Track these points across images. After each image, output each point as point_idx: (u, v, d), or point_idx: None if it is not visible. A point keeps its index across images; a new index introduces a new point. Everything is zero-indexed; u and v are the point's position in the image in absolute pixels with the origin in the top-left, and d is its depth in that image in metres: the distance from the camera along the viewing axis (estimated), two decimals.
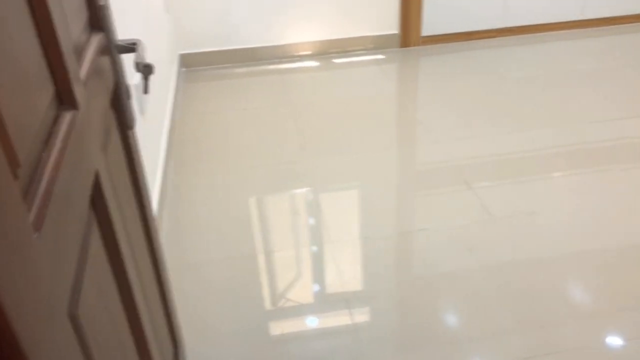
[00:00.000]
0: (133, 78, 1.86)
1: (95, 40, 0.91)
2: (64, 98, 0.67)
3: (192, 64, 3.37)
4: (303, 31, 3.38)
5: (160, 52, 2.70)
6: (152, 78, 2.34)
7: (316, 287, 1.72)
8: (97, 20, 0.93)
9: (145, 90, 1.04)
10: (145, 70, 1.01)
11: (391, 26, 3.44)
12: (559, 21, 3.56)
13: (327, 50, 3.45)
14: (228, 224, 2.02)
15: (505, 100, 2.78)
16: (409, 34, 3.45)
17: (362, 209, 2.06)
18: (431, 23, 3.45)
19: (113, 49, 0.98)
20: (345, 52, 3.46)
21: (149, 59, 2.17)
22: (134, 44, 0.98)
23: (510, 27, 3.54)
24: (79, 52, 0.80)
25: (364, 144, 2.47)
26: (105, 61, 0.95)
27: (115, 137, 0.99)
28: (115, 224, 0.81)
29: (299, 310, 1.65)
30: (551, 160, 2.28)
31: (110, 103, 0.98)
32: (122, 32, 1.74)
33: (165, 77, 2.71)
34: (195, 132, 2.66)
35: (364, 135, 2.53)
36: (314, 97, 2.93)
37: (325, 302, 1.67)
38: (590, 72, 3.04)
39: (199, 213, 2.09)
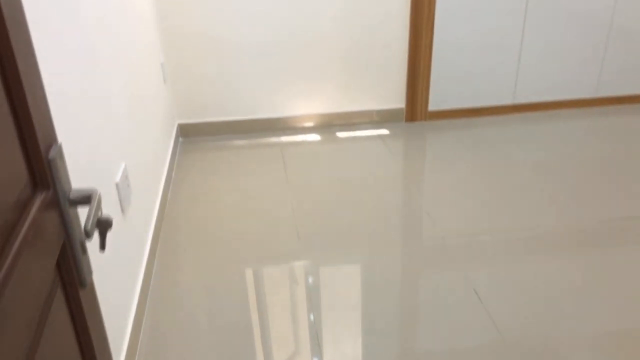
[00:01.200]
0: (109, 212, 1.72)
1: (39, 199, 0.77)
2: None
3: (190, 134, 3.25)
4: (306, 103, 3.27)
5: (157, 123, 2.58)
6: (147, 152, 2.21)
7: None
8: (43, 176, 0.78)
9: (102, 245, 0.89)
10: (102, 225, 0.86)
11: (397, 100, 3.33)
12: (572, 98, 3.44)
13: (331, 123, 3.33)
14: (215, 334, 1.84)
15: (514, 184, 2.62)
16: (415, 108, 3.34)
17: (362, 329, 1.88)
18: (439, 97, 3.33)
19: (63, 204, 0.83)
20: (349, 125, 3.34)
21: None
22: (89, 196, 0.83)
23: (521, 104, 3.42)
24: (11, 219, 0.64)
25: (365, 237, 2.31)
26: (52, 218, 0.80)
27: (60, 302, 0.83)
28: None
29: None
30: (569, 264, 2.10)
31: (56, 264, 0.82)
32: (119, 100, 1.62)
33: (160, 151, 2.58)
34: (186, 216, 2.50)
35: (365, 227, 2.37)
36: (314, 177, 2.78)
37: None
38: (603, 154, 2.89)
39: (183, 319, 1.91)
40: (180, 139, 3.24)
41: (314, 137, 3.24)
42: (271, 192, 2.66)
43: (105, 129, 1.65)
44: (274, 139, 3.22)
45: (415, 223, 2.40)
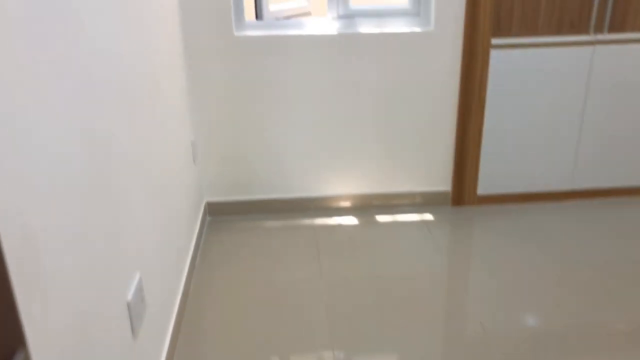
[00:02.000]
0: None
1: None
2: None
3: (219, 213, 3.04)
4: (342, 182, 3.03)
5: (182, 210, 2.37)
6: (168, 252, 1.98)
7: None
8: None
9: None
10: None
11: (443, 182, 3.07)
12: (636, 185, 3.13)
13: (369, 204, 3.08)
14: None
15: (573, 280, 2.29)
16: (462, 192, 3.07)
17: None
18: (488, 181, 3.06)
19: None
20: (389, 208, 3.08)
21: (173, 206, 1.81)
22: None
23: (579, 190, 3.12)
24: None
25: (405, 348, 2.00)
26: None
27: None
28: None
29: None
30: None
31: None
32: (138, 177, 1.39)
33: (184, 240, 2.36)
34: (210, 315, 2.25)
35: (406, 334, 2.07)
36: (351, 272, 2.51)
37: None
38: None
39: None
40: (208, 218, 3.03)
41: (351, 220, 2.98)
42: (304, 288, 2.39)
43: (119, 236, 1.43)
44: (307, 221, 2.97)
45: (462, 328, 2.09)
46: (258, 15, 2.84)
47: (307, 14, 3.17)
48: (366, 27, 2.79)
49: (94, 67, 1.34)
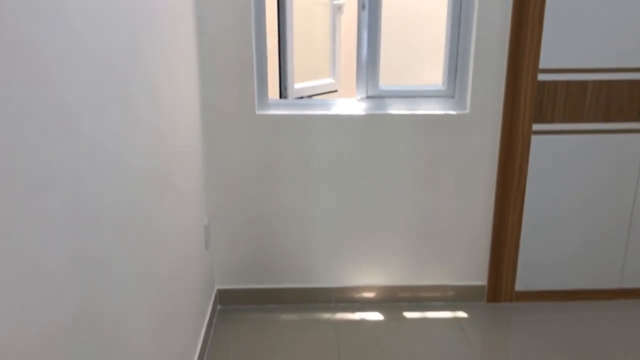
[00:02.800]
0: None
1: None
2: None
3: (230, 301, 2.78)
4: (367, 273, 2.77)
5: (190, 307, 2.12)
6: (174, 335, 1.73)
7: None
8: None
9: None
10: None
11: (477, 276, 2.79)
12: None
13: (396, 297, 2.80)
14: None
15: None
16: (499, 287, 2.78)
17: None
18: (527, 276, 2.78)
19: None
20: (418, 302, 2.80)
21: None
22: None
23: (629, 290, 2.82)
24: None
25: None
26: None
27: None
28: None
29: None
30: None
31: None
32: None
33: (192, 336, 2.11)
34: None
35: None
36: None
37: None
38: None
39: None
40: (219, 306, 2.77)
41: (376, 315, 2.70)
42: None
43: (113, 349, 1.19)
44: (327, 315, 2.70)
45: None
46: (282, 93, 2.69)
47: (334, 91, 3.02)
48: (397, 108, 2.61)
49: (92, 168, 1.14)
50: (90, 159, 1.13)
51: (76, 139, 1.06)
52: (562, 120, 2.58)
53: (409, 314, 2.72)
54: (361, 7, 2.51)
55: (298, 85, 2.74)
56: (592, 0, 2.44)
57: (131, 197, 1.41)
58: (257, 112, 2.55)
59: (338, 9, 2.93)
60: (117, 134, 1.32)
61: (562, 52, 2.49)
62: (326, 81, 2.96)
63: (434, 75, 3.17)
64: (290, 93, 2.69)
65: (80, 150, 1.09)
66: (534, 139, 2.60)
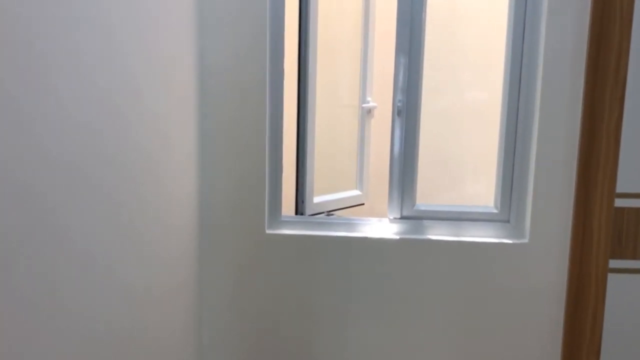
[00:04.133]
0: None
1: None
2: None
3: None
4: None
5: None
6: None
7: None
8: None
9: None
10: None
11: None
12: None
13: None
14: None
15: None
16: None
17: None
18: None
19: None
20: None
21: None
22: None
23: None
24: None
25: None
26: None
27: None
28: None
29: None
30: None
31: None
32: None
33: None
34: None
35: None
36: None
37: None
38: None
39: None
40: None
41: None
42: None
43: None
44: None
45: None
46: (299, 208, 2.25)
47: (360, 205, 2.58)
48: (437, 233, 2.13)
49: None
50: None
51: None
52: None
53: None
54: (396, 112, 2.12)
55: (318, 198, 2.31)
56: None
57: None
58: (267, 232, 2.09)
59: (368, 112, 2.55)
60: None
61: None
62: (352, 193, 2.52)
63: (478, 188, 2.74)
64: (309, 208, 2.25)
65: None
66: (612, 278, 2.07)
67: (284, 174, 2.13)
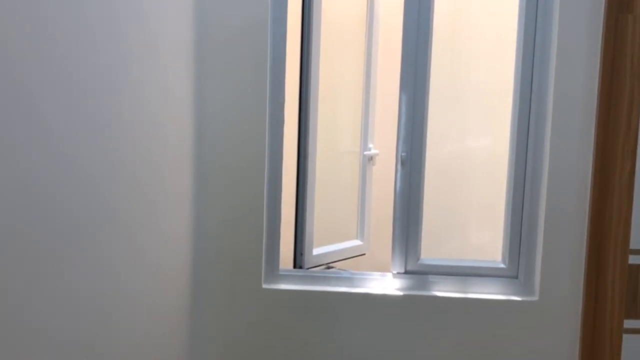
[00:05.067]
0: None
1: None
2: None
3: None
4: None
5: None
6: None
7: None
8: None
9: None
10: None
11: None
12: None
13: None
14: None
15: None
16: None
17: None
18: None
19: None
20: None
21: None
22: None
23: None
24: None
25: None
26: None
27: None
28: None
29: None
30: None
31: None
32: None
33: None
34: None
35: None
36: None
37: None
38: None
39: None
40: None
41: None
42: None
43: None
44: None
45: None
46: (297, 261, 2.14)
47: (361, 255, 2.48)
48: (443, 289, 2.02)
49: None
50: None
51: None
52: None
53: None
54: (399, 162, 2.04)
55: (318, 249, 2.20)
56: None
57: None
58: (264, 286, 1.99)
59: (370, 159, 2.48)
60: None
61: None
62: (353, 243, 2.43)
63: (484, 239, 2.64)
64: (308, 260, 2.15)
65: None
66: (627, 339, 1.96)
67: (282, 225, 2.04)
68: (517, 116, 2.00)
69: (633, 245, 1.94)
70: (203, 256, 1.96)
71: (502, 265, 2.04)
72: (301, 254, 2.13)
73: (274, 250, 2.01)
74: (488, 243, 2.51)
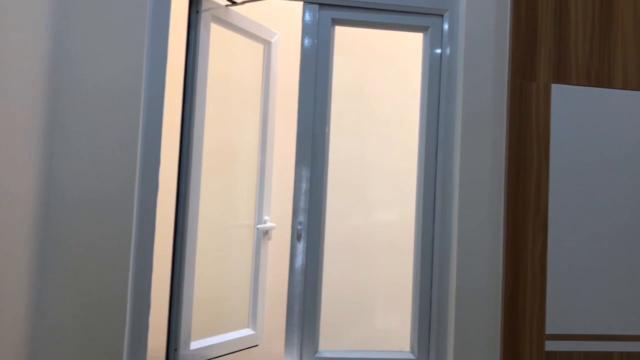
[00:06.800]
0: None
1: None
2: None
3: None
4: None
5: None
6: None
7: None
8: None
9: None
10: None
11: None
12: None
13: None
14: None
15: None
16: None
17: None
18: None
19: None
20: None
21: None
22: None
23: None
24: None
25: None
26: None
27: None
28: None
29: None
30: None
31: None
32: None
33: None
34: None
35: None
36: None
37: None
38: None
39: None
40: None
41: None
42: None
43: None
44: None
45: None
46: (170, 358, 1.76)
47: (254, 346, 2.13)
48: None
49: None
50: None
51: None
52: None
53: None
54: (296, 237, 1.78)
55: (198, 342, 1.84)
56: (611, 236, 1.81)
57: None
58: None
59: (265, 234, 2.19)
60: None
61: (575, 314, 1.77)
62: (243, 333, 2.07)
63: (390, 320, 2.38)
64: (184, 357, 1.77)
65: None
66: None
67: (152, 315, 1.67)
68: (423, 189, 1.82)
69: (549, 330, 1.76)
70: (48, 355, 1.54)
71: (411, 357, 1.78)
72: (175, 350, 1.75)
73: (139, 346, 1.62)
74: (396, 328, 2.26)
